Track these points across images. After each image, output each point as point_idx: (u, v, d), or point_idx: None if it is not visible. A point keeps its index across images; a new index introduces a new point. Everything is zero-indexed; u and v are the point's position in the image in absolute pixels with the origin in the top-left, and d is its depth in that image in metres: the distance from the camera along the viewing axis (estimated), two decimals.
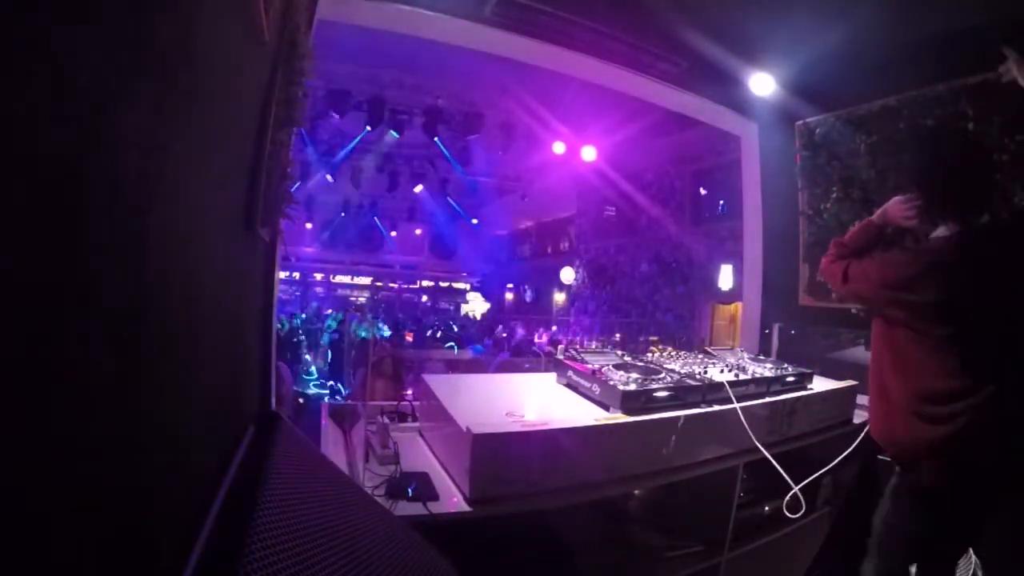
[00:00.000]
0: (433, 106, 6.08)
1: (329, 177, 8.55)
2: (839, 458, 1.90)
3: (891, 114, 2.69)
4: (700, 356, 2.26)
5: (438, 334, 8.06)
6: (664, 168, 7.70)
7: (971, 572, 1.62)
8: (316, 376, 7.05)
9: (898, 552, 1.47)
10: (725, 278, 6.40)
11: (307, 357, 7.41)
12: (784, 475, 1.74)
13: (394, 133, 6.36)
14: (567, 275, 10.53)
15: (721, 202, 7.12)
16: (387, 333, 7.05)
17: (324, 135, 7.01)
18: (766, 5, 2.50)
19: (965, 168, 1.41)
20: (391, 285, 16.37)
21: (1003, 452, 1.31)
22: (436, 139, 6.59)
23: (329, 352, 7.02)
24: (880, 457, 1.77)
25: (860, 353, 2.73)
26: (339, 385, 6.06)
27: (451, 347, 6.88)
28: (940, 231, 1.43)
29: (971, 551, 1.63)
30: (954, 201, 1.40)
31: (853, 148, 2.86)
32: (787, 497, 1.80)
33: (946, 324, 1.35)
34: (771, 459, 1.71)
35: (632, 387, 1.60)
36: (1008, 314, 1.33)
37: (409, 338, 7.50)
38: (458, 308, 16.63)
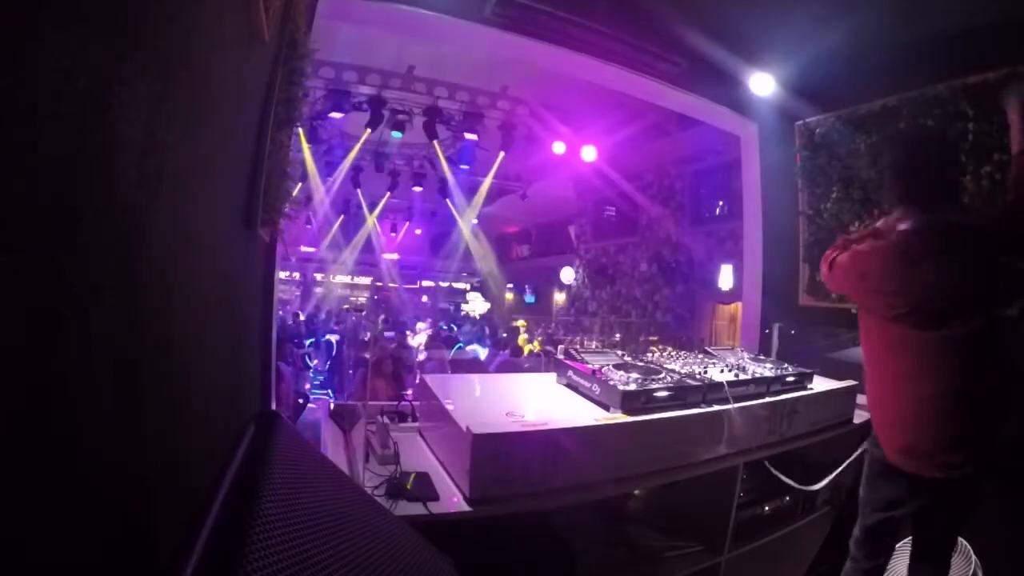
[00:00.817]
0: (433, 106, 6.08)
1: (329, 179, 8.55)
2: (856, 453, 1.91)
3: (891, 114, 2.69)
4: (700, 356, 2.26)
5: (442, 334, 8.03)
6: (664, 168, 7.69)
7: (971, 572, 1.62)
8: (322, 376, 7.04)
9: (870, 513, 1.56)
10: (725, 278, 6.40)
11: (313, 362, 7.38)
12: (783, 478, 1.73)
13: (397, 134, 6.35)
14: (567, 275, 10.53)
15: (721, 202, 7.12)
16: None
17: (324, 135, 7.00)
18: (766, 5, 2.50)
19: (926, 163, 1.45)
20: (391, 285, 16.37)
21: (943, 440, 1.35)
22: (435, 142, 6.57)
23: (335, 346, 6.99)
24: None
25: (860, 353, 2.73)
26: (330, 392, 6.03)
27: (460, 347, 6.81)
28: (902, 225, 1.45)
29: (971, 552, 1.63)
30: (915, 194, 1.44)
31: (853, 148, 2.86)
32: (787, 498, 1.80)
33: (894, 313, 1.41)
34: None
35: (632, 387, 1.60)
36: (955, 307, 1.35)
37: (411, 337, 7.48)
38: (458, 308, 16.63)
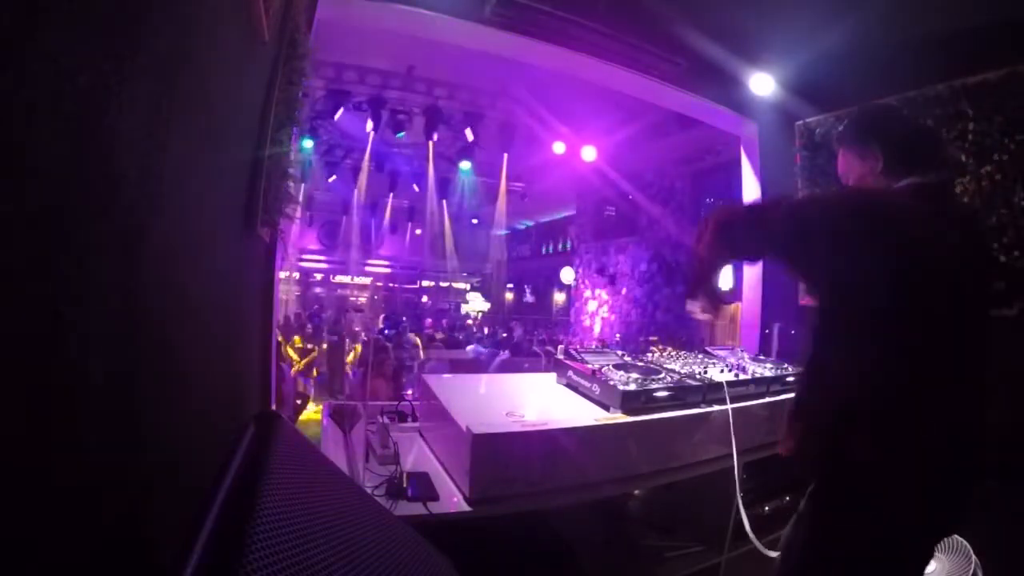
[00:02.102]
0: (433, 106, 6.08)
1: (332, 178, 8.55)
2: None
3: None
4: (700, 356, 2.26)
5: (438, 334, 8.03)
6: (664, 168, 7.69)
7: (971, 572, 1.62)
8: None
9: None
10: (725, 278, 6.40)
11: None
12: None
13: (399, 134, 6.35)
14: (567, 275, 10.54)
15: (720, 203, 7.12)
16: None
17: (324, 135, 7.00)
18: (766, 5, 2.50)
19: (915, 128, 1.29)
20: (391, 285, 16.38)
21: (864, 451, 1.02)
22: (434, 142, 6.57)
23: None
24: None
25: None
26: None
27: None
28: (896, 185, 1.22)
29: (971, 551, 1.63)
30: (912, 155, 1.18)
31: None
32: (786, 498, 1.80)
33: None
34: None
35: (632, 387, 1.60)
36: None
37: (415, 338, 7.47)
38: (458, 308, 16.65)
